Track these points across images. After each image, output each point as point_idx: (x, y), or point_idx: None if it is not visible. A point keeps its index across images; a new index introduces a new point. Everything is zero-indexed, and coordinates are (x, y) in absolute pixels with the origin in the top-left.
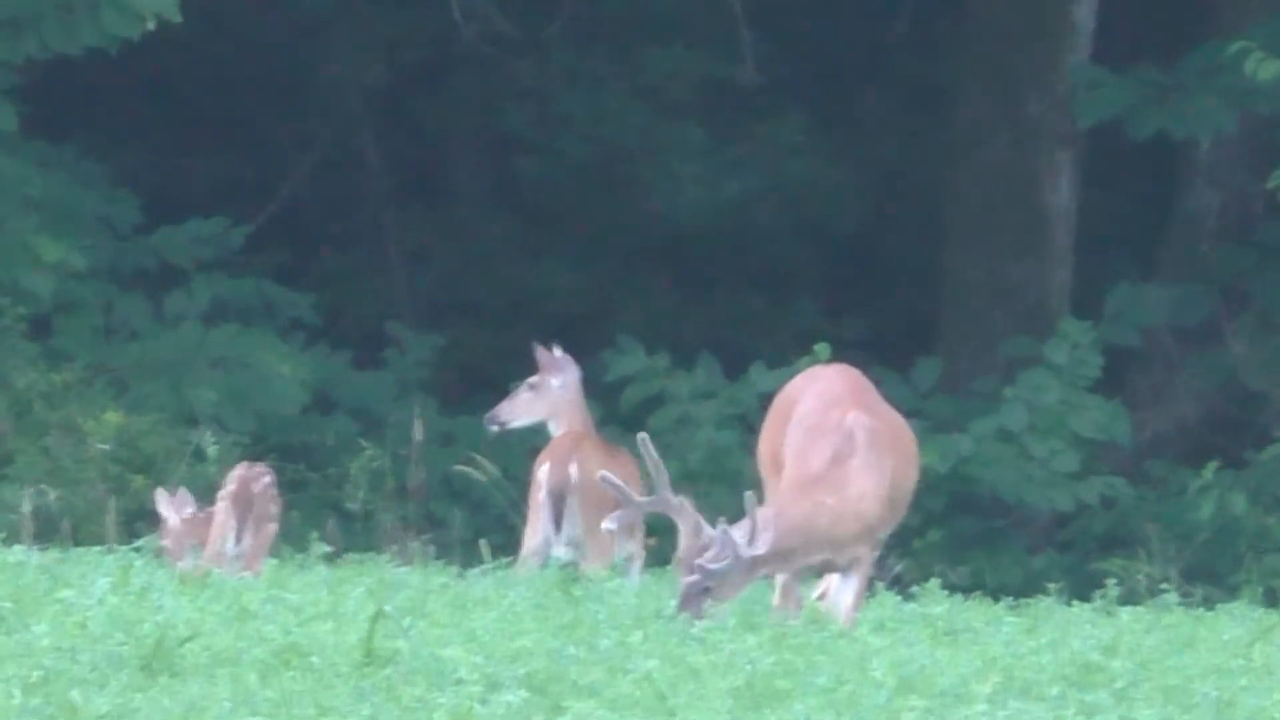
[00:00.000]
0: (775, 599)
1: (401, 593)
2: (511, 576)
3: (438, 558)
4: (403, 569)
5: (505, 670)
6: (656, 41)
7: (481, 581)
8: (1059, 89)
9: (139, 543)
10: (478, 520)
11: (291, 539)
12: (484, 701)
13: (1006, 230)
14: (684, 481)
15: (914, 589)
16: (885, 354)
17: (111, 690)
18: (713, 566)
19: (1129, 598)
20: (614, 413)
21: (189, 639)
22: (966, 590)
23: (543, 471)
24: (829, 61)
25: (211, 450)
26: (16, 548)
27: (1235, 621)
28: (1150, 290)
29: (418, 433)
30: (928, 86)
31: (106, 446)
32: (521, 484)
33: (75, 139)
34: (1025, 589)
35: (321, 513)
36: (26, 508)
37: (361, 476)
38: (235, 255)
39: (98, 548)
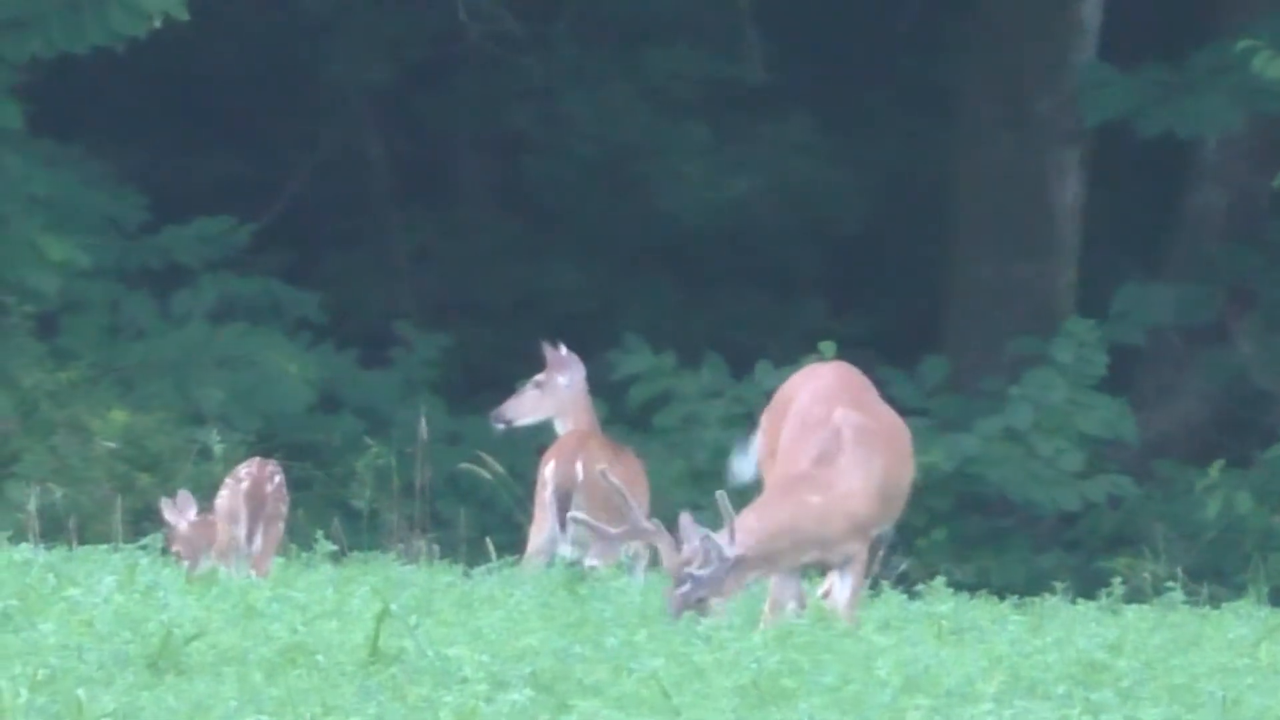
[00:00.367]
0: (766, 609)
1: (407, 591)
2: (517, 575)
3: (443, 556)
4: (408, 568)
5: (511, 669)
6: (662, 41)
7: (487, 580)
8: (1065, 88)
9: (145, 541)
10: (483, 519)
11: (297, 537)
12: (489, 700)
13: (1012, 229)
14: (690, 480)
15: (919, 587)
16: (891, 353)
17: (117, 688)
18: (700, 573)
19: (1134, 596)
20: (620, 411)
21: (195, 637)
22: (972, 589)
23: (548, 470)
24: (835, 61)
25: (218, 449)
26: (23, 546)
27: (1241, 620)
28: (1156, 289)
29: (423, 431)
30: (934, 85)
31: (113, 445)
32: (527, 483)
33: (81, 138)
34: (1031, 588)
35: (327, 511)
36: (33, 506)
37: (367, 475)
38: (241, 254)
39: (104, 546)
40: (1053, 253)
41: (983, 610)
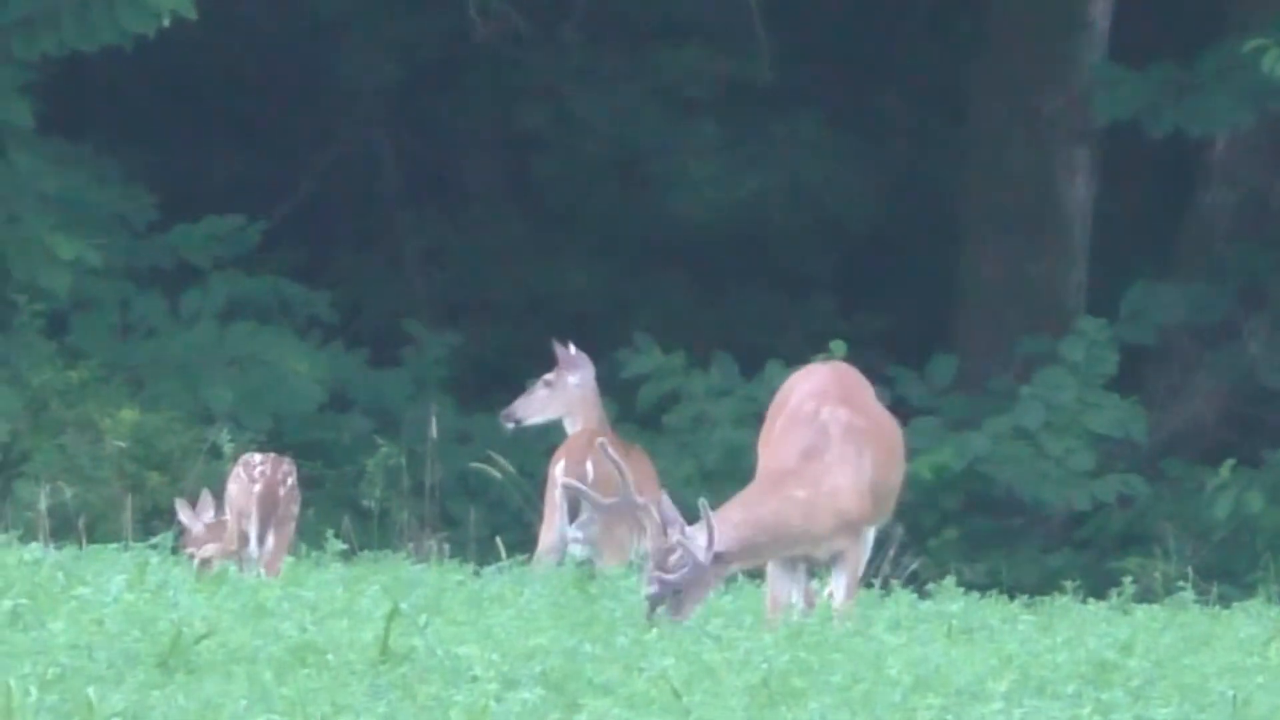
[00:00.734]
0: (767, 607)
1: (417, 590)
2: (527, 574)
3: (453, 555)
4: (418, 567)
5: (521, 668)
6: (672, 40)
7: (497, 579)
8: (1075, 87)
9: (155, 540)
10: (493, 518)
11: (308, 537)
12: (500, 699)
13: (1023, 228)
14: (700, 480)
15: (930, 587)
16: (901, 352)
17: (127, 687)
18: (669, 577)
19: (1145, 596)
20: (630, 411)
21: (205, 636)
22: (982, 588)
23: (558, 469)
24: (845, 60)
25: (228, 448)
26: (33, 545)
27: (1251, 620)
28: (1167, 288)
29: (433, 430)
30: (943, 85)
31: (123, 444)
32: (537, 482)
33: (91, 136)
34: (1041, 587)
35: (337, 510)
36: (43, 505)
37: (377, 474)
38: (251, 253)
39: (114, 545)
40: (1063, 252)
41: (993, 610)
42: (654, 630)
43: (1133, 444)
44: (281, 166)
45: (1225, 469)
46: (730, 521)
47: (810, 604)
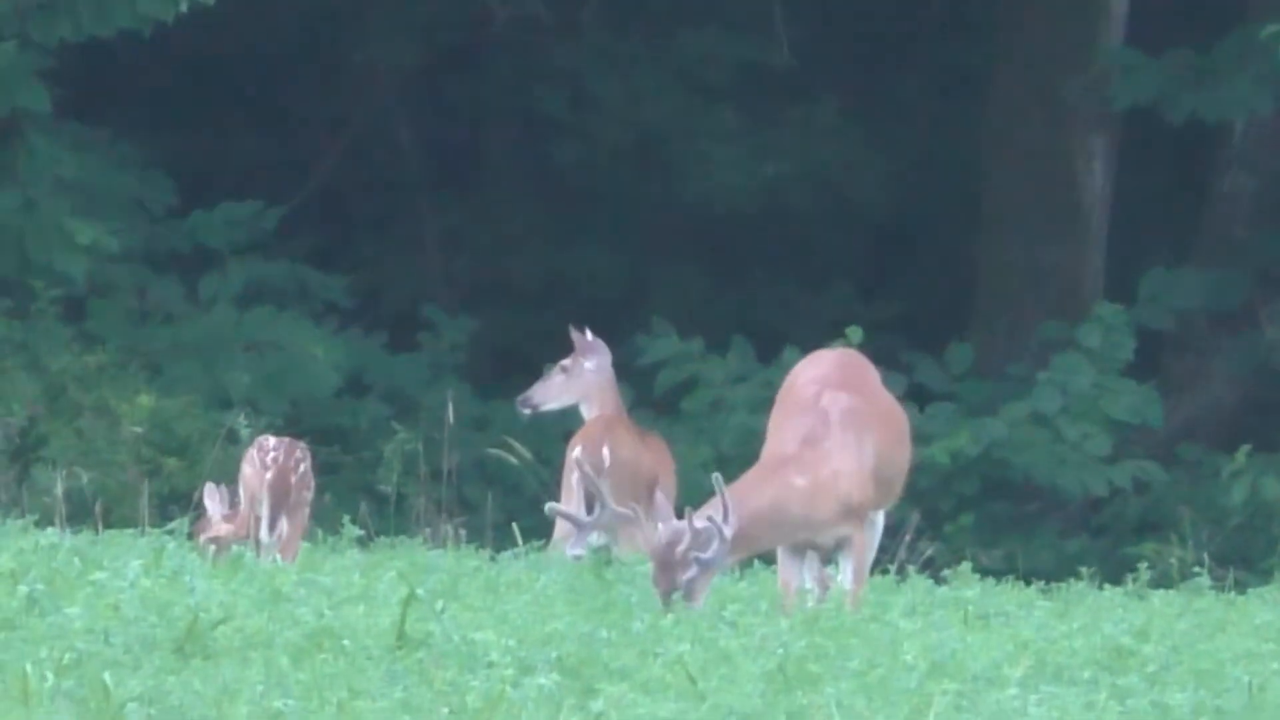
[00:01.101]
0: (781, 593)
1: (434, 576)
2: (544, 560)
3: (470, 541)
4: (435, 552)
5: (537, 653)
6: (691, 24)
7: (514, 565)
8: (1093, 72)
9: (172, 525)
10: (510, 503)
11: (324, 522)
12: (516, 685)
13: (1041, 214)
14: (717, 465)
15: (946, 573)
16: (919, 337)
17: (144, 672)
18: (707, 556)
19: (1161, 582)
20: (647, 396)
21: (221, 621)
22: (998, 574)
23: (575, 455)
24: (863, 45)
25: (245, 433)
26: (49, 530)
27: (1267, 606)
28: (1184, 274)
29: (451, 416)
30: (962, 70)
31: (139, 429)
32: (554, 467)
33: (109, 121)
34: (1057, 573)
35: (354, 495)
36: (59, 490)
37: (394, 459)
38: (269, 238)
39: (130, 530)
40: (1081, 237)
41: (1009, 595)
42: (670, 616)
43: (1149, 429)
44: (299, 151)
45: (1241, 454)
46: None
47: (825, 589)
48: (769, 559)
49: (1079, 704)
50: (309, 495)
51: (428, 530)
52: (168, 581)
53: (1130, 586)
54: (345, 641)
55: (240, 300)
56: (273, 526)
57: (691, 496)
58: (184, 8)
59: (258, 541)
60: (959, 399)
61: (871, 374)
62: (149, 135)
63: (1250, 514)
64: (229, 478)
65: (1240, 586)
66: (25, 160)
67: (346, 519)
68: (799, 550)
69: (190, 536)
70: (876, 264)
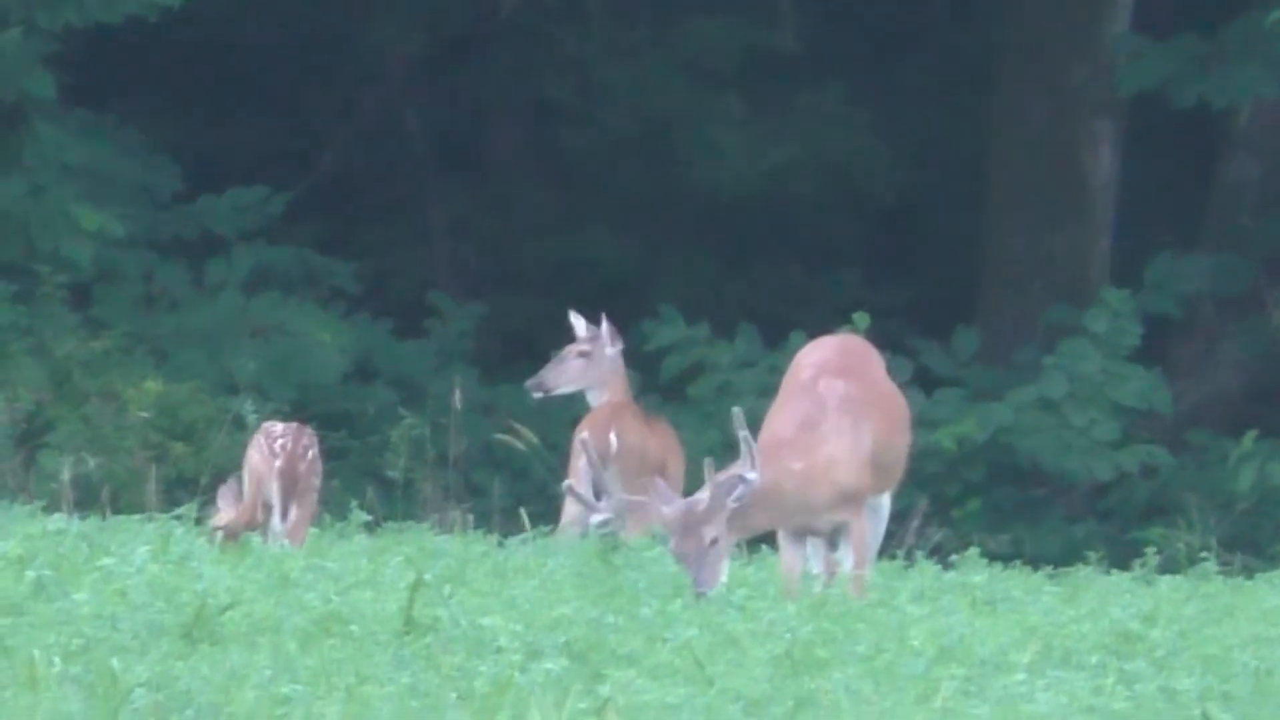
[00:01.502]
0: (782, 577)
1: (441, 561)
2: (551, 545)
3: (477, 526)
4: (442, 537)
5: (545, 638)
6: (697, 11)
7: (521, 550)
8: (1100, 58)
9: (179, 511)
10: (517, 489)
11: (332, 508)
12: (524, 670)
13: (1047, 200)
14: (723, 451)
15: (953, 558)
16: (925, 323)
17: (152, 658)
18: (735, 504)
19: (1168, 567)
20: (654, 382)
21: (229, 607)
22: (1006, 559)
23: (582, 438)
24: (869, 31)
25: (251, 419)
26: (56, 516)
27: (1274, 590)
28: (1191, 259)
29: (458, 401)
30: (968, 56)
31: (146, 415)
32: (561, 453)
33: (115, 107)
34: (1065, 558)
35: (361, 481)
36: (66, 476)
37: (402, 445)
38: (276, 224)
39: (138, 516)
40: (1087, 223)
41: (1016, 580)
42: (678, 601)
43: (1156, 415)
44: (306, 137)
45: (1248, 440)
46: None
47: (832, 575)
48: (776, 544)
49: (1086, 689)
50: (317, 481)
51: (435, 516)
52: (175, 567)
53: (1137, 572)
54: (353, 627)
55: (247, 286)
56: (284, 514)
57: (697, 482)
58: None
59: (265, 528)
60: (966, 384)
61: (873, 360)
62: (155, 121)
63: (1258, 499)
64: (235, 464)
65: (1248, 571)
66: (31, 146)
67: (354, 504)
68: (799, 535)
69: (199, 522)
70: (883, 250)
